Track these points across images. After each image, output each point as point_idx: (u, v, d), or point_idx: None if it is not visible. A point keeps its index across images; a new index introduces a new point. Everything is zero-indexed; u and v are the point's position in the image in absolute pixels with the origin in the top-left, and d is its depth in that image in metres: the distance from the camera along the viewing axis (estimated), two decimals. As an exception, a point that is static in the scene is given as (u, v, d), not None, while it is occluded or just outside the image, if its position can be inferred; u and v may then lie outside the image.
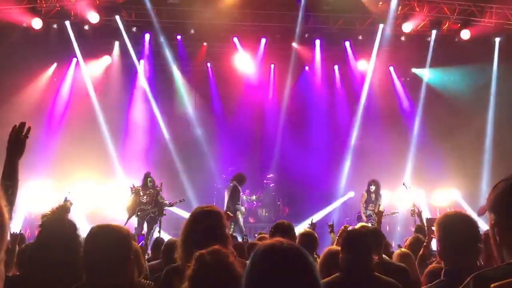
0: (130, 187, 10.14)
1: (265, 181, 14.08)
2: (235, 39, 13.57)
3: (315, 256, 4.35)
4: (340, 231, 5.13)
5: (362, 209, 10.66)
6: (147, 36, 13.36)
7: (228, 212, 9.42)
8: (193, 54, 13.93)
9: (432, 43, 13.31)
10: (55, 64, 13.24)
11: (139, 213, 10.01)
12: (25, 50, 11.70)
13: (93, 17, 12.10)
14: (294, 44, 13.73)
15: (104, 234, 2.46)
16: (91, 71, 13.45)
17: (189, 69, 14.24)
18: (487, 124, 13.36)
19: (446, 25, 13.05)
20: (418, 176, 12.75)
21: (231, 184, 10.42)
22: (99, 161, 12.47)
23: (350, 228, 5.20)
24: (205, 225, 2.77)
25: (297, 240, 4.19)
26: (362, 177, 11.32)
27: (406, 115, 14.35)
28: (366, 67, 14.14)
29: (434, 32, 13.13)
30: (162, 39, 13.27)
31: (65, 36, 12.56)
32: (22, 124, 2.57)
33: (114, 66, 13.69)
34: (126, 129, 13.71)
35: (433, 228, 3.49)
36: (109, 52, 13.57)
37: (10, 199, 2.38)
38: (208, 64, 14.39)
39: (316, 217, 10.64)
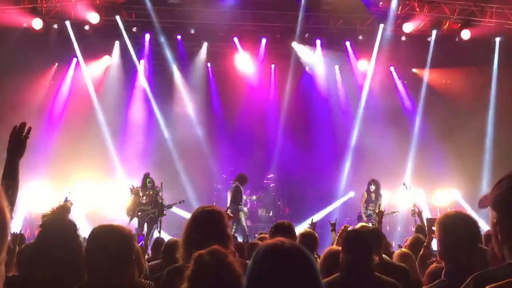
0: (130, 188, 10.14)
1: (265, 181, 14.08)
2: (235, 39, 13.56)
3: (316, 256, 4.35)
4: (340, 231, 5.13)
5: (362, 209, 10.66)
6: (147, 36, 13.36)
7: (228, 212, 9.41)
8: (193, 54, 13.93)
9: (432, 43, 13.32)
10: (55, 64, 13.25)
11: (139, 214, 10.02)
12: (25, 51, 11.69)
13: (93, 17, 12.11)
14: (294, 44, 13.74)
15: (106, 234, 2.46)
16: (91, 71, 13.46)
17: (189, 69, 14.24)
18: (488, 124, 13.36)
19: (447, 25, 13.05)
20: (419, 176, 12.76)
21: (233, 184, 10.45)
22: (99, 161, 12.47)
23: (350, 228, 5.21)
24: (207, 225, 2.77)
25: (297, 240, 4.19)
26: (362, 177, 11.32)
27: (407, 115, 14.35)
28: (367, 67, 14.14)
29: (434, 32, 13.14)
30: (162, 39, 13.27)
31: (66, 36, 12.57)
32: (23, 125, 2.57)
33: (114, 66, 13.69)
34: (126, 129, 13.71)
35: (434, 228, 3.49)
36: (109, 52, 13.57)
37: (11, 199, 2.38)
38: (208, 64, 14.38)
39: (317, 217, 10.63)
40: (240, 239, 8.90)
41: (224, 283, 2.03)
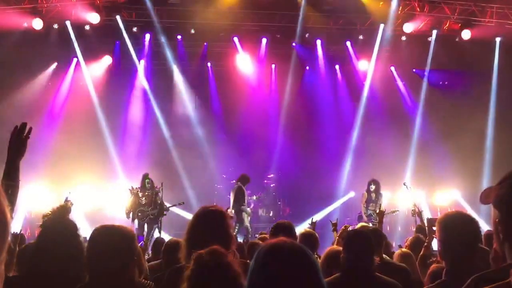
0: (129, 189, 10.13)
1: (265, 181, 14.07)
2: (236, 39, 13.56)
3: (316, 256, 4.35)
4: (340, 231, 5.13)
5: (363, 209, 10.66)
6: (147, 36, 13.36)
7: (228, 212, 9.40)
8: (193, 54, 13.92)
9: (432, 43, 13.31)
10: (55, 64, 13.24)
11: (139, 214, 10.01)
12: (25, 51, 11.70)
13: (94, 17, 12.10)
14: (295, 44, 13.73)
15: (108, 234, 2.46)
16: (91, 71, 13.45)
17: (189, 69, 14.23)
18: (488, 124, 13.36)
19: (447, 25, 13.05)
20: (419, 176, 12.76)
21: (236, 185, 10.45)
22: (99, 161, 12.47)
23: (350, 228, 5.21)
24: (209, 225, 2.77)
25: (297, 240, 4.18)
26: (363, 177, 11.32)
27: (407, 115, 14.35)
28: (367, 67, 14.14)
29: (434, 32, 13.13)
30: (162, 39, 13.27)
31: (66, 36, 12.55)
32: (23, 125, 2.57)
33: (115, 66, 13.69)
34: (127, 129, 13.71)
35: (434, 228, 3.49)
36: (109, 52, 13.57)
37: (11, 199, 2.38)
38: (209, 64, 14.38)
39: (317, 217, 10.62)
40: (240, 239, 8.89)
41: (223, 283, 2.02)
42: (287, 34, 13.43)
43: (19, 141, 2.54)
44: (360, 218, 10.60)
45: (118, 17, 12.57)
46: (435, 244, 3.54)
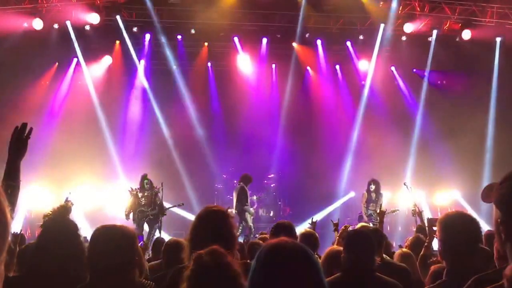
0: (129, 190, 10.13)
1: (266, 181, 14.07)
2: (236, 39, 13.56)
3: (316, 256, 4.34)
4: (340, 231, 5.13)
5: (363, 209, 10.66)
6: (147, 36, 13.37)
7: (229, 211, 9.40)
8: (193, 54, 13.93)
9: (433, 43, 13.31)
10: (56, 64, 13.24)
11: (138, 215, 10.01)
12: (25, 51, 11.70)
13: (94, 17, 12.11)
14: (295, 44, 13.73)
15: (109, 234, 2.46)
16: (91, 71, 13.46)
17: (189, 69, 14.24)
18: (488, 124, 13.36)
19: (447, 25, 13.04)
20: (419, 176, 12.75)
21: (238, 185, 10.45)
22: (100, 161, 12.48)
23: (350, 228, 5.22)
24: (212, 225, 2.77)
25: (298, 240, 4.18)
26: (363, 177, 11.31)
27: (407, 115, 14.35)
28: (368, 67, 14.14)
29: (435, 32, 13.13)
30: (162, 39, 13.27)
31: (66, 36, 12.56)
32: (24, 125, 2.57)
33: (115, 66, 13.69)
34: (127, 129, 13.71)
35: (435, 228, 3.49)
36: (109, 52, 13.57)
37: (11, 200, 2.38)
38: (209, 64, 14.38)
39: (317, 217, 10.63)
40: (240, 239, 8.88)
41: (223, 283, 2.02)
42: (288, 34, 13.43)
43: (19, 142, 2.54)
44: (360, 218, 10.59)
45: (118, 17, 12.59)
46: (435, 244, 3.53)
